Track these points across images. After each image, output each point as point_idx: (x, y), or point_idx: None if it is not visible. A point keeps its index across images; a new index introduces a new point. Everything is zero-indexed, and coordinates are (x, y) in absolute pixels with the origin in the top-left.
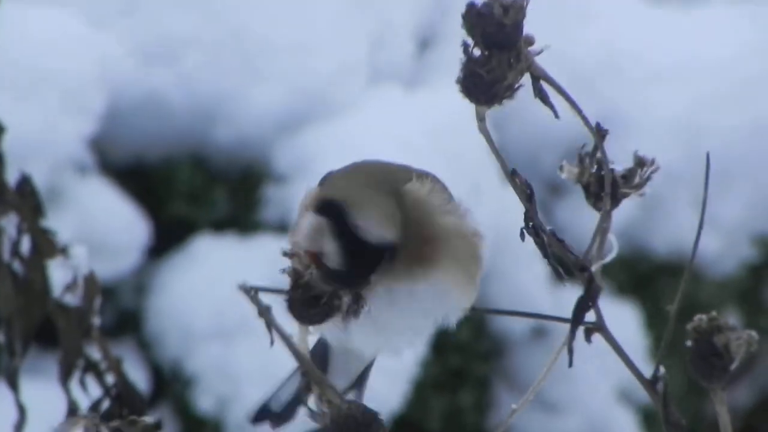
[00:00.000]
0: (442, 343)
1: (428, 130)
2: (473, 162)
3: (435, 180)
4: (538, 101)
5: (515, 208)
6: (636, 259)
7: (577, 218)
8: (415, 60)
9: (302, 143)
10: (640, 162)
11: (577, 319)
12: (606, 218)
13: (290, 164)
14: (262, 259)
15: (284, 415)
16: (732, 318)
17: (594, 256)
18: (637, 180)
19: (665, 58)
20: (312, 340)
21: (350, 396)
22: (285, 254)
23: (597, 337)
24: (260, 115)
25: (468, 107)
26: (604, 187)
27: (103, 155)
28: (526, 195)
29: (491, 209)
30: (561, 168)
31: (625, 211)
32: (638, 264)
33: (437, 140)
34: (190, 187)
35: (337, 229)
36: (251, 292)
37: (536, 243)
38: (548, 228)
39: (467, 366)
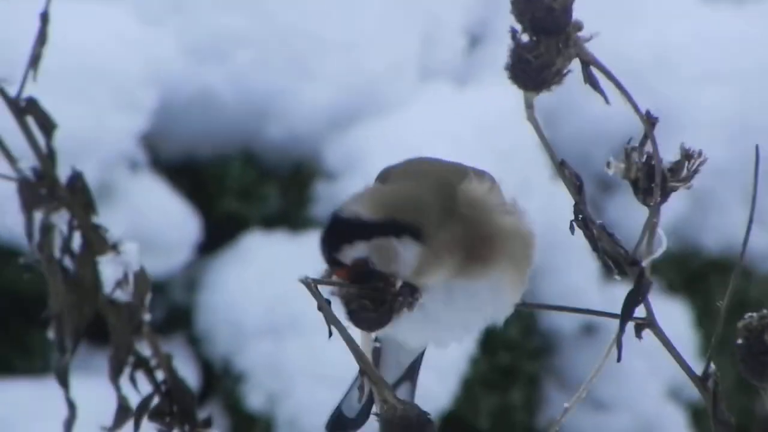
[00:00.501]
0: (492, 340)
1: (478, 126)
2: (523, 158)
3: (492, 179)
4: (589, 98)
5: (565, 204)
6: (687, 256)
7: (628, 215)
8: (465, 57)
9: (352, 140)
10: (687, 155)
11: (626, 314)
12: (655, 212)
13: (340, 161)
14: (314, 256)
15: (359, 420)
16: None
17: (644, 250)
18: (684, 173)
19: (717, 56)
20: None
21: (403, 389)
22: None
23: (647, 335)
24: (311, 112)
25: (517, 104)
26: (653, 179)
27: (154, 152)
28: (576, 186)
29: (541, 205)
30: (608, 164)
31: (676, 208)
32: (689, 261)
33: (487, 137)
34: (240, 184)
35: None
36: (312, 285)
37: (586, 236)
38: (598, 222)
39: (517, 364)
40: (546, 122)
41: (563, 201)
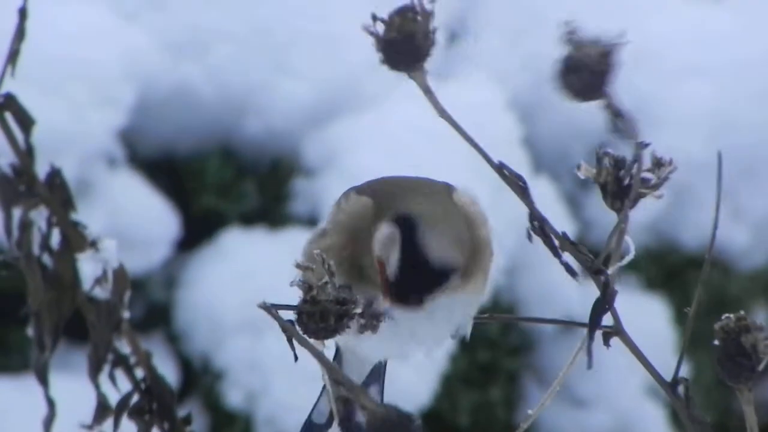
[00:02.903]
0: (471, 338)
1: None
2: (501, 152)
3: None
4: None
5: (546, 197)
6: (665, 252)
7: (608, 213)
8: (443, 52)
9: (331, 136)
10: (658, 162)
11: (594, 323)
12: (623, 219)
13: (319, 157)
14: (292, 252)
15: (329, 424)
16: (761, 312)
17: (611, 258)
18: (654, 180)
19: (696, 50)
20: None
21: (371, 391)
22: (298, 266)
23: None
24: (289, 108)
25: (494, 98)
26: (622, 184)
27: (132, 148)
28: (520, 188)
29: (520, 200)
30: (578, 167)
31: (655, 204)
32: (667, 257)
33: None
34: (219, 180)
35: (405, 244)
36: (272, 310)
37: (545, 243)
38: (561, 231)
39: (496, 361)
40: (525, 118)
41: (542, 195)
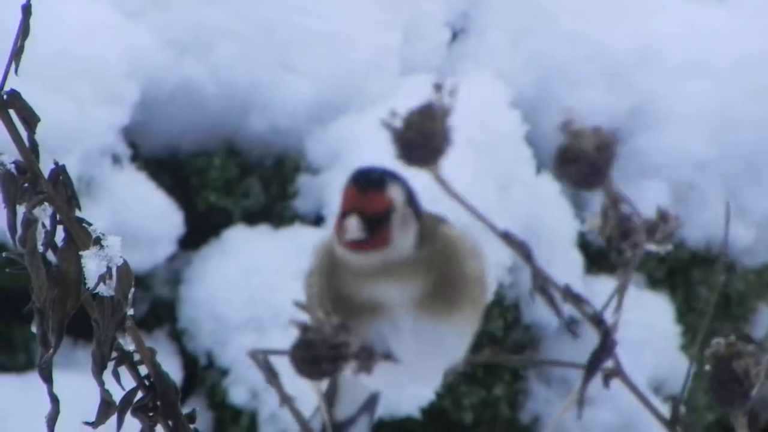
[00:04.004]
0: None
1: (459, 119)
2: (505, 150)
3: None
4: (571, 91)
5: (548, 197)
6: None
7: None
8: (447, 50)
9: (335, 133)
10: (664, 216)
11: (592, 369)
12: (628, 275)
13: (324, 155)
14: (296, 250)
15: None
16: (765, 309)
17: (612, 309)
18: (660, 235)
19: (699, 49)
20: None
21: (361, 422)
22: (297, 305)
23: (637, 331)
24: (293, 106)
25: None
26: (627, 238)
27: (136, 146)
28: (525, 255)
29: (524, 197)
30: (584, 221)
31: (657, 200)
32: (671, 255)
33: (468, 129)
34: (223, 178)
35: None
36: (260, 357)
37: (548, 304)
38: (562, 284)
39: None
40: (528, 116)
41: (546, 193)
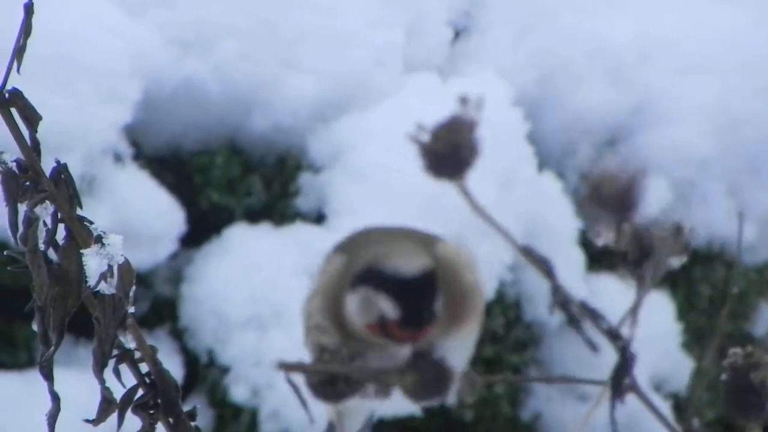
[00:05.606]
0: None
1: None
2: (507, 148)
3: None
4: (573, 90)
5: (550, 195)
6: None
7: None
8: (449, 49)
9: (338, 132)
10: (678, 229)
11: (617, 388)
12: (643, 292)
13: (326, 153)
14: (297, 248)
15: None
16: (766, 307)
17: (628, 325)
18: (675, 248)
19: (700, 46)
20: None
21: None
22: (317, 327)
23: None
24: (296, 104)
25: (502, 95)
26: (643, 252)
27: (138, 144)
28: (546, 271)
29: (526, 195)
30: (598, 233)
31: (659, 198)
32: None
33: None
34: (225, 176)
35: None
36: (286, 370)
37: (566, 317)
38: (578, 299)
39: (501, 355)
40: (531, 114)
41: (548, 191)
